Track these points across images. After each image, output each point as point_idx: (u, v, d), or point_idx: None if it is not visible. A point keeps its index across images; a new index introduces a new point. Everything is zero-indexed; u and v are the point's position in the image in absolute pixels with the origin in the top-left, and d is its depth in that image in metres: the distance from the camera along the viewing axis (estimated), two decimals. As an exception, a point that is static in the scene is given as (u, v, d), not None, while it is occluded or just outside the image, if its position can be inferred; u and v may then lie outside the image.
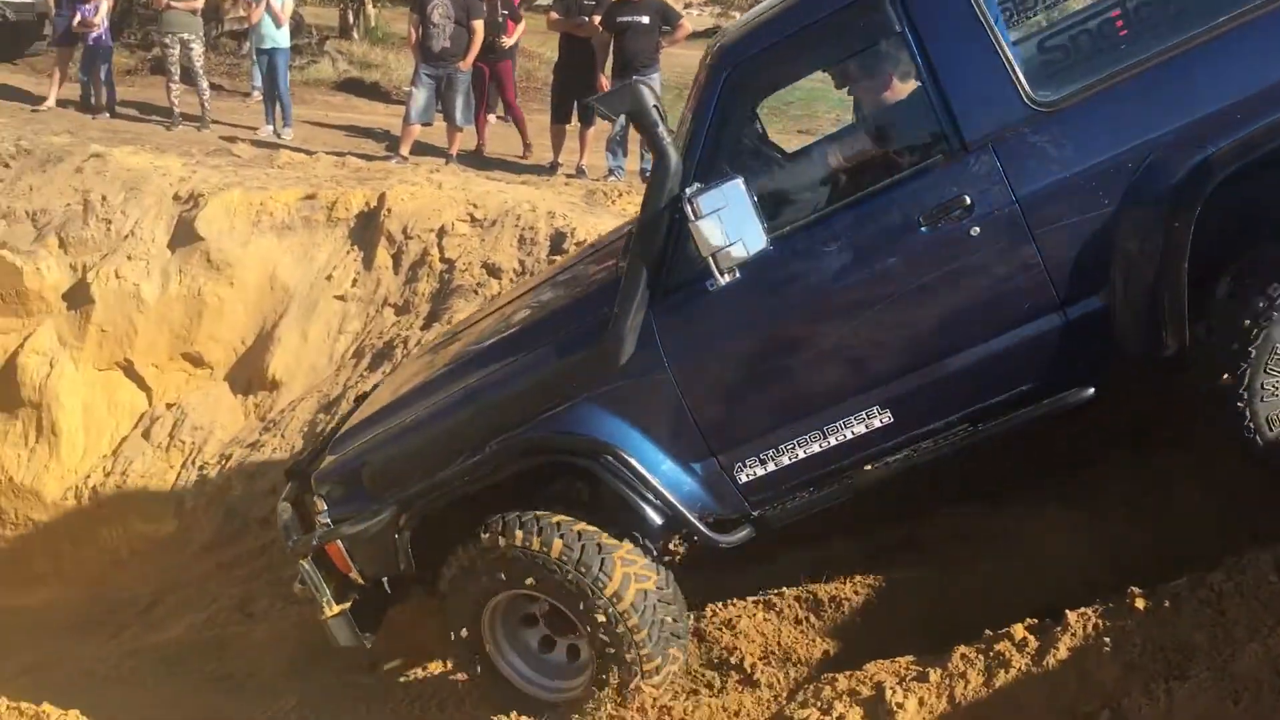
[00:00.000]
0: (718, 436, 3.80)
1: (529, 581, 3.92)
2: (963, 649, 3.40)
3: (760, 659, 4.01)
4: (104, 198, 8.98)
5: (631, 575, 3.86)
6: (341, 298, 8.26)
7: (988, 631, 3.46)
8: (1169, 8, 3.52)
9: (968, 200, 3.42)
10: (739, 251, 3.44)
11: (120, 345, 8.59)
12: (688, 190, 3.49)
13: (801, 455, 3.72)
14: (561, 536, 3.84)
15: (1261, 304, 3.21)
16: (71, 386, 8.57)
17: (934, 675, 3.35)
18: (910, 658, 3.56)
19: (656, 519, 3.83)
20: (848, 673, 3.59)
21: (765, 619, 4.17)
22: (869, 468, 3.76)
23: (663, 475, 3.79)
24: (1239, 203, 3.23)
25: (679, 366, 3.75)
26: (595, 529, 3.89)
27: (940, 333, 3.59)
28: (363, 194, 8.66)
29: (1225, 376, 3.34)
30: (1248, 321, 3.23)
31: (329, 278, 8.38)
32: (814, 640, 4.06)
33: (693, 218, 3.45)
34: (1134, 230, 3.30)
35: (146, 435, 8.39)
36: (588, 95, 9.48)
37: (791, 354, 3.75)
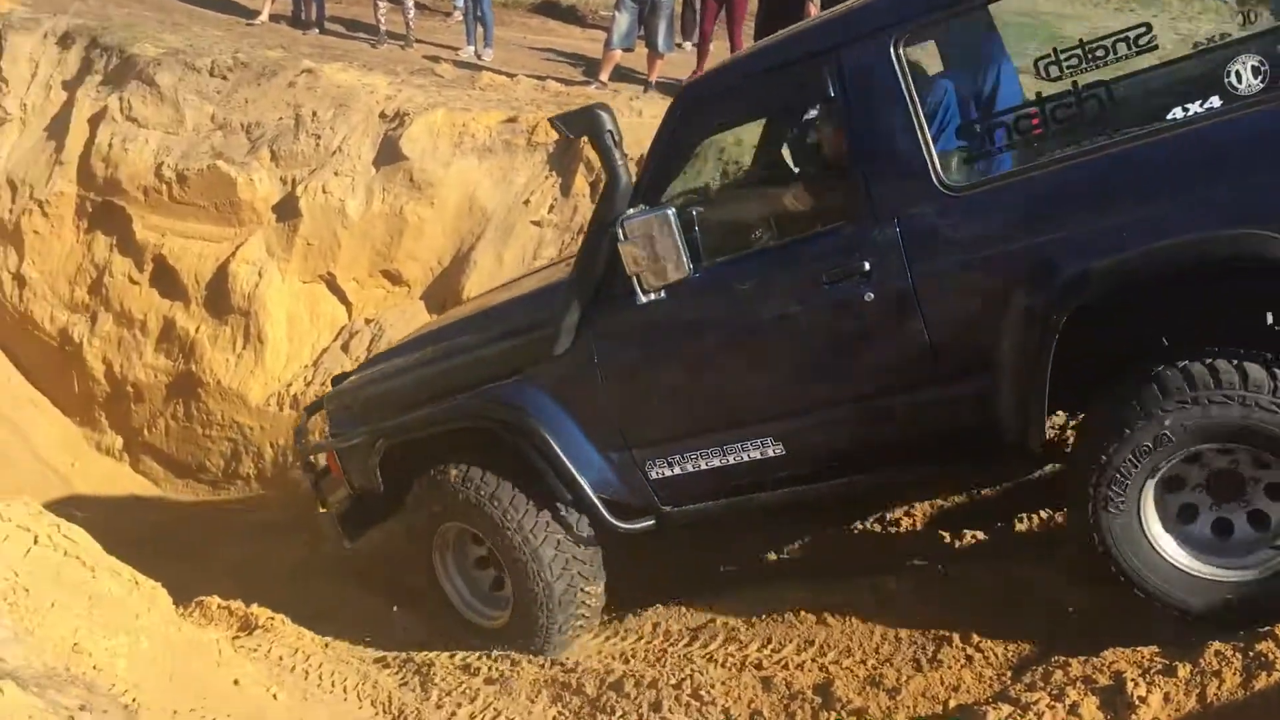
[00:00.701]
0: (633, 433, 4.20)
1: (471, 520, 4.52)
2: (1217, 645, 3.14)
3: (979, 633, 3.81)
4: (314, 113, 9.16)
5: (560, 544, 4.39)
6: (538, 223, 8.24)
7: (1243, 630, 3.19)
8: (1083, 115, 3.43)
9: (866, 266, 3.59)
10: (660, 277, 3.82)
11: (324, 259, 8.81)
12: (626, 212, 3.86)
13: (704, 467, 4.07)
14: (496, 493, 4.39)
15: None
16: (278, 296, 8.84)
17: (1182, 670, 3.11)
18: (1154, 648, 3.31)
19: (564, 491, 4.31)
20: (1082, 658, 3.36)
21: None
22: (770, 493, 4.06)
23: (578, 455, 4.24)
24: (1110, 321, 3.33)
25: (605, 365, 4.16)
26: (524, 494, 4.38)
27: (830, 383, 3.85)
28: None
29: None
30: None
31: (526, 202, 8.37)
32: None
33: (623, 239, 3.82)
34: (1012, 326, 3.40)
35: (345, 348, 8.60)
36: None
37: (700, 375, 4.07)
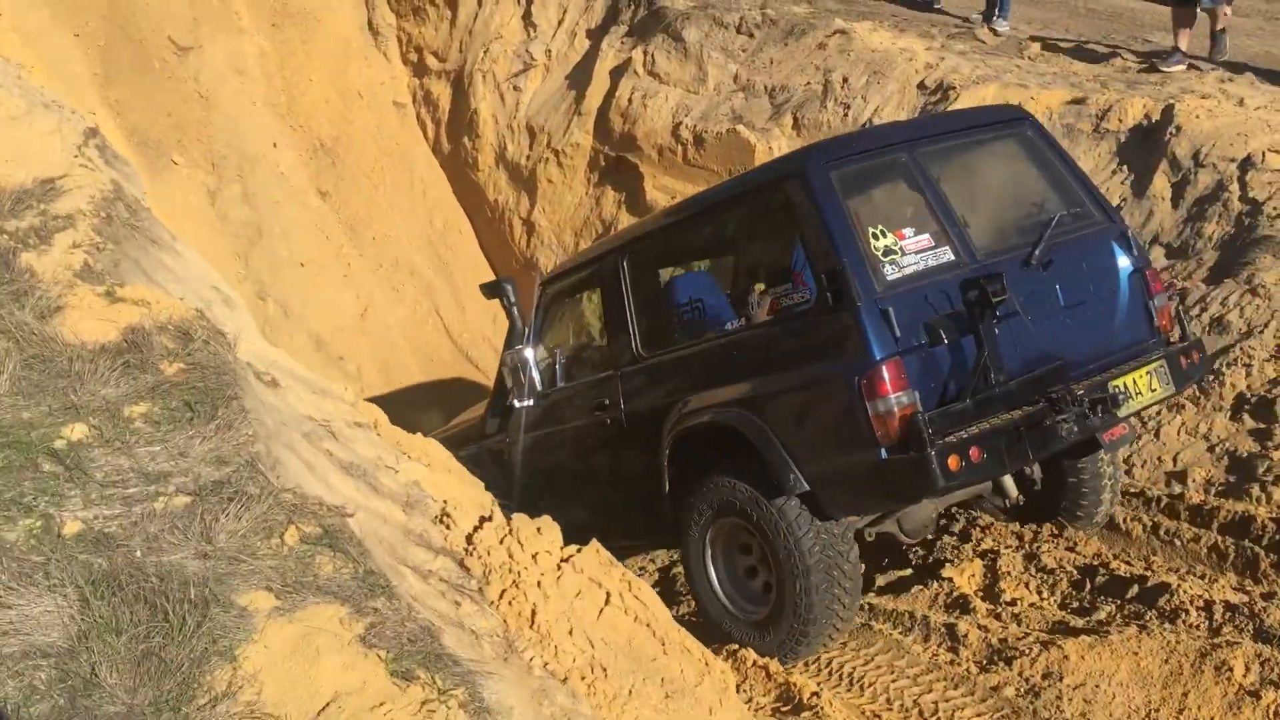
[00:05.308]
0: (533, 487, 5.80)
1: None
2: None
3: None
4: (845, 80, 8.44)
5: None
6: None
7: None
8: (698, 318, 5.24)
9: (607, 402, 5.30)
10: (524, 392, 5.63)
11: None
12: (512, 349, 5.77)
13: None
14: None
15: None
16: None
17: None
18: None
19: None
20: None
21: None
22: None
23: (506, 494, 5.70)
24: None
25: (512, 444, 5.95)
26: None
27: (599, 476, 5.54)
28: (1142, 103, 7.29)
29: None
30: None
31: (1087, 199, 7.21)
32: None
33: (503, 366, 5.84)
34: (658, 446, 4.99)
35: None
36: None
37: (547, 459, 5.80)
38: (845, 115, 8.28)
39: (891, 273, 4.27)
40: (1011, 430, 4.17)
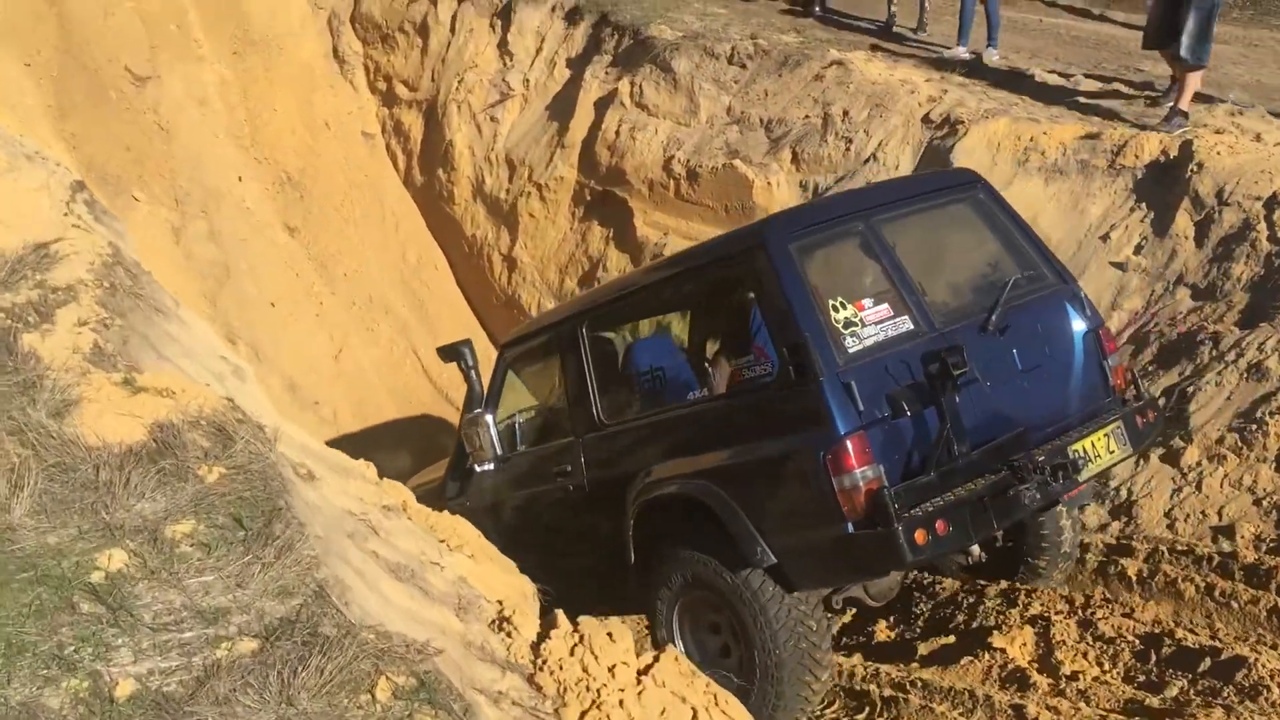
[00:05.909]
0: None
1: None
2: None
3: None
4: (845, 113, 8.18)
5: None
6: (1119, 265, 6.87)
7: None
8: (659, 387, 5.22)
9: (569, 468, 5.27)
10: (483, 454, 5.51)
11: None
12: (471, 413, 5.60)
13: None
14: None
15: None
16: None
17: None
18: None
19: None
20: None
21: None
22: None
23: None
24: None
25: (474, 506, 5.65)
26: None
27: (561, 543, 5.41)
28: (1159, 139, 7.11)
29: None
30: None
31: (1104, 238, 7.01)
32: None
33: (463, 429, 5.65)
34: (622, 511, 4.92)
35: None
36: None
37: (508, 524, 5.56)
38: (847, 149, 8.03)
39: (853, 345, 4.31)
40: (976, 501, 4.20)
